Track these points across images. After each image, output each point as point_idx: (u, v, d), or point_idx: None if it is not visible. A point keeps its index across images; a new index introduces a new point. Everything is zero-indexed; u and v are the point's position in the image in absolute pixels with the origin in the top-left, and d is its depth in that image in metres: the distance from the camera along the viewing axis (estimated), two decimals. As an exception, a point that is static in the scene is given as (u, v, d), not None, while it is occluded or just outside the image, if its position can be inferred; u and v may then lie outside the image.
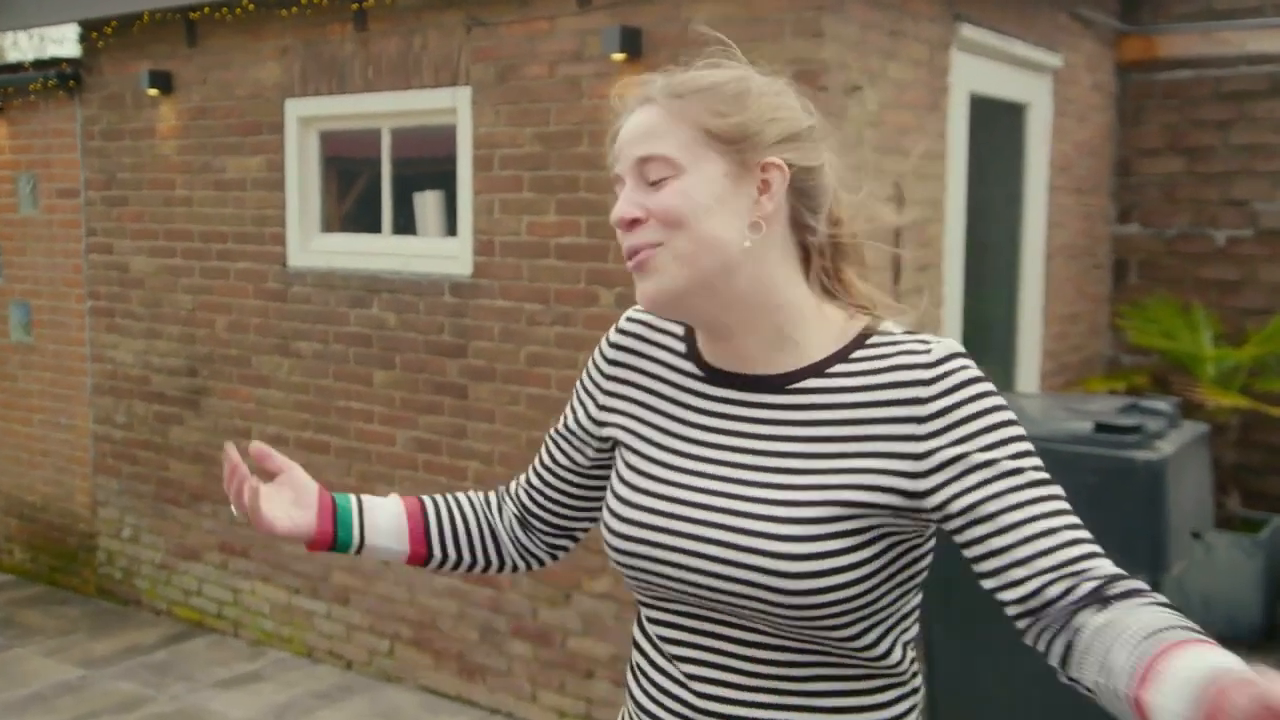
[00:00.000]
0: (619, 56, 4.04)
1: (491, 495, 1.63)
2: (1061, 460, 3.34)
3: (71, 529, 6.04)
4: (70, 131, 5.83)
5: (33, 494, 6.22)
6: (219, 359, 5.31)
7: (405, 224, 4.82)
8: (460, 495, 1.61)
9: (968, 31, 4.30)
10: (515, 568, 1.61)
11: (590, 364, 1.51)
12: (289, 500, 1.46)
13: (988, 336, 4.81)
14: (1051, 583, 1.19)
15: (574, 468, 1.52)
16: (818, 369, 1.30)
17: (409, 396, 4.69)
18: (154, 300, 5.54)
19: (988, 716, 3.65)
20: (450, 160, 4.56)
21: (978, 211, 4.58)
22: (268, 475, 1.48)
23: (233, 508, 1.43)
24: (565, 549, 1.61)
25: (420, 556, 1.54)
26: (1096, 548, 1.23)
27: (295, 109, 4.98)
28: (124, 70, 5.56)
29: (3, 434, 6.35)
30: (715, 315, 1.31)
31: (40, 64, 6.01)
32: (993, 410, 1.24)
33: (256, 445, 1.46)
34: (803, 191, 1.31)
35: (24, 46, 13.20)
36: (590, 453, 1.50)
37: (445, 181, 4.64)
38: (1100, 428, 3.32)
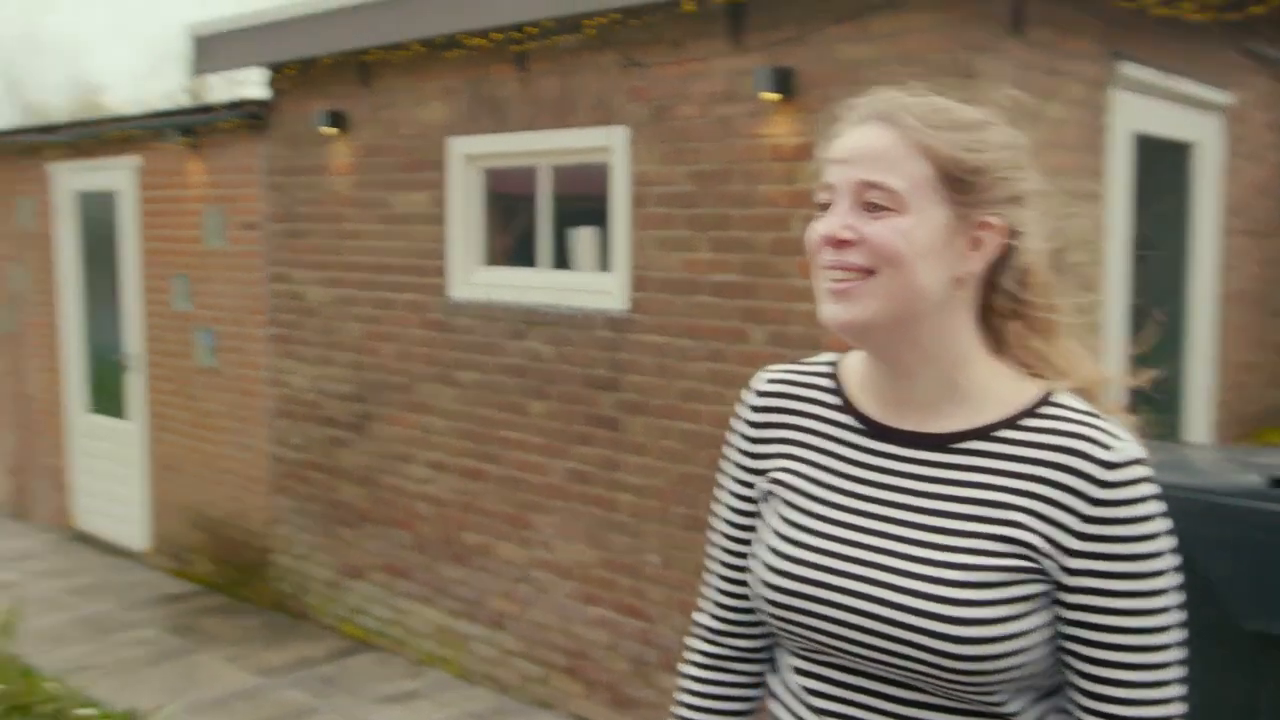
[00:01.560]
0: (772, 96, 4.01)
1: (709, 650, 1.51)
2: (1229, 515, 3.15)
3: (249, 544, 6.30)
4: (254, 168, 6.09)
5: (216, 509, 6.51)
6: (385, 386, 5.46)
7: (562, 259, 4.88)
8: (709, 690, 1.50)
9: (1129, 70, 4.12)
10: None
11: (732, 439, 1.47)
12: None
13: (1152, 384, 4.59)
14: None
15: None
16: (984, 432, 1.27)
17: (563, 427, 4.74)
18: (327, 328, 5.74)
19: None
20: (605, 197, 4.60)
21: (1144, 255, 4.37)
22: None
23: None
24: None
25: None
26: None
27: (458, 147, 5.10)
28: (303, 110, 5.79)
29: (190, 452, 6.67)
30: (896, 352, 1.29)
31: (230, 105, 6.29)
32: (1153, 538, 1.20)
33: None
34: (1008, 254, 1.28)
35: (217, 88, 13.89)
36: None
37: (600, 218, 4.68)
38: (1274, 483, 3.12)
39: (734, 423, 1.47)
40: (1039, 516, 1.21)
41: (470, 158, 5.10)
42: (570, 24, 4.59)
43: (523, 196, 5.05)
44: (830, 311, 1.26)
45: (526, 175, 4.98)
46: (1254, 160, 5.07)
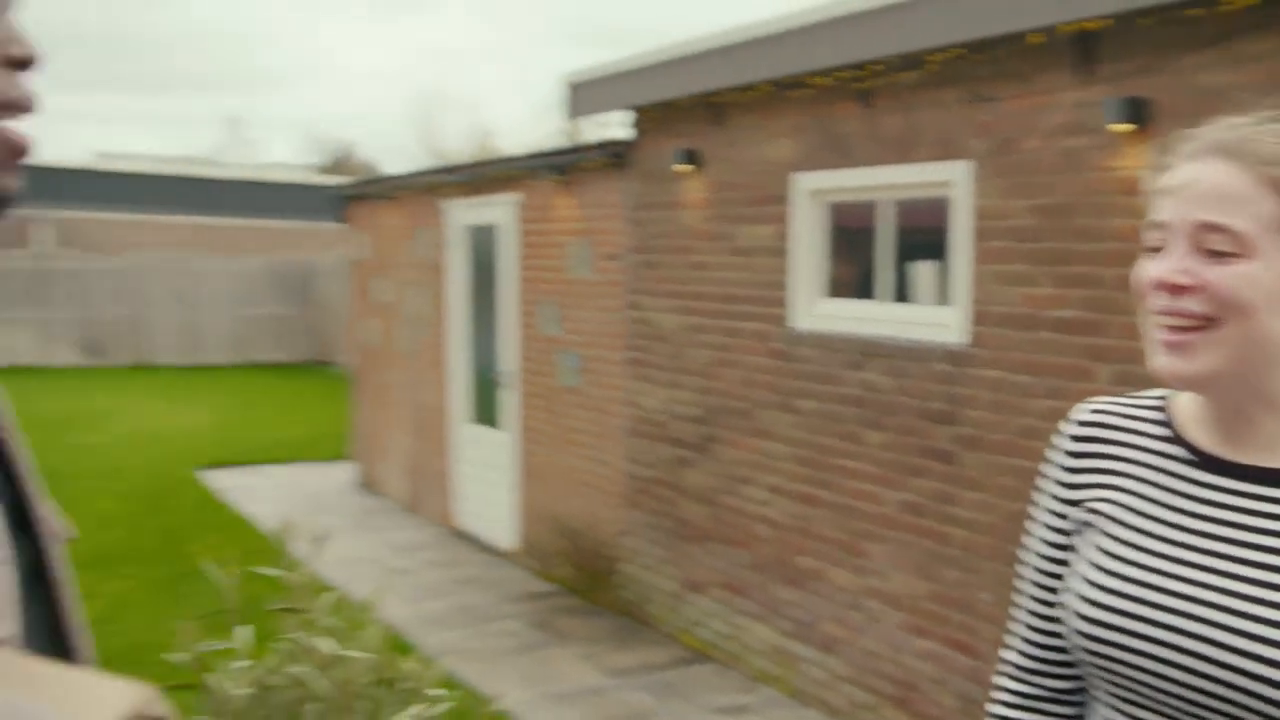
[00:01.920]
0: (1123, 128, 3.86)
1: (1017, 689, 1.42)
2: None
3: (601, 552, 6.71)
4: (616, 203, 6.51)
5: (574, 518, 6.98)
6: (728, 410, 5.68)
7: (901, 292, 4.90)
8: None
9: None
10: None
11: (1047, 469, 1.41)
12: None
13: None
14: None
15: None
16: None
17: (898, 459, 4.75)
18: (677, 354, 6.03)
19: None
20: (946, 231, 4.58)
21: None
22: None
23: None
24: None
25: None
26: None
27: (803, 182, 5.23)
28: (661, 149, 6.13)
29: (554, 463, 7.19)
30: (1236, 401, 1.22)
31: (596, 145, 6.76)
32: None
33: None
34: None
35: (588, 131, 14.88)
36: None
37: (940, 251, 4.66)
38: None
39: (1050, 453, 1.41)
40: None
41: (814, 193, 5.22)
42: (913, 60, 4.62)
43: (864, 230, 5.11)
44: (1164, 364, 1.19)
45: (868, 209, 5.04)
46: None
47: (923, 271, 4.81)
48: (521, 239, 7.48)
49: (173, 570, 6.93)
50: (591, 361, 6.78)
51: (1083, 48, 4.03)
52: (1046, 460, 1.42)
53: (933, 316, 4.67)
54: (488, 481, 8.00)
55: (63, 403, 14.89)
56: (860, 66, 4.84)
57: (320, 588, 3.60)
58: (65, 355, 19.29)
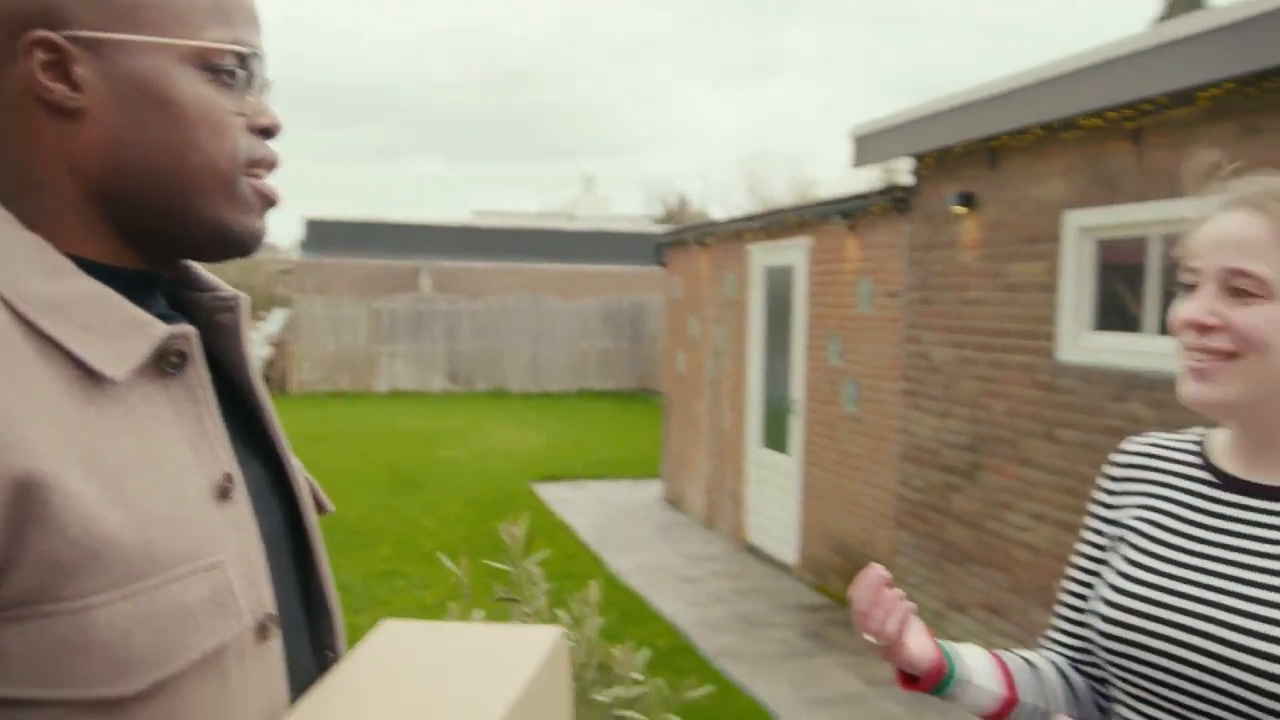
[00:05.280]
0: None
1: (1047, 654, 1.47)
2: None
3: (874, 570, 6.64)
4: (898, 244, 6.49)
5: (849, 536, 6.96)
6: (994, 439, 5.52)
7: (1166, 325, 4.61)
8: (1024, 654, 1.46)
9: None
10: None
11: (1094, 493, 1.46)
12: (919, 635, 1.36)
13: None
14: None
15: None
16: None
17: (1159, 490, 4.46)
18: (948, 385, 5.93)
19: None
20: (1214, 265, 4.29)
21: None
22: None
23: (875, 628, 1.30)
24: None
25: (1011, 702, 1.37)
26: None
27: (1073, 220, 5.04)
28: (939, 192, 6.08)
29: (833, 485, 7.20)
30: (1257, 428, 1.25)
31: (880, 191, 6.77)
32: None
33: (880, 571, 1.35)
34: None
35: (897, 176, 14.74)
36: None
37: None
38: None
39: (1099, 478, 1.45)
40: None
41: (1084, 230, 5.02)
42: (1185, 97, 4.38)
43: (1131, 265, 4.86)
44: (1190, 390, 1.24)
45: (1136, 245, 4.79)
46: None
47: (1190, 305, 4.52)
48: (812, 278, 7.58)
49: (487, 569, 7.48)
50: (869, 391, 6.77)
51: (1360, 76, 3.71)
52: (1096, 485, 1.46)
53: (1199, 350, 4.38)
54: (774, 501, 8.10)
55: (431, 422, 16.33)
56: (1131, 106, 4.63)
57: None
58: (437, 382, 21.14)
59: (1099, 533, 1.43)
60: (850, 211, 6.96)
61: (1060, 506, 5.03)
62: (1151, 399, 4.51)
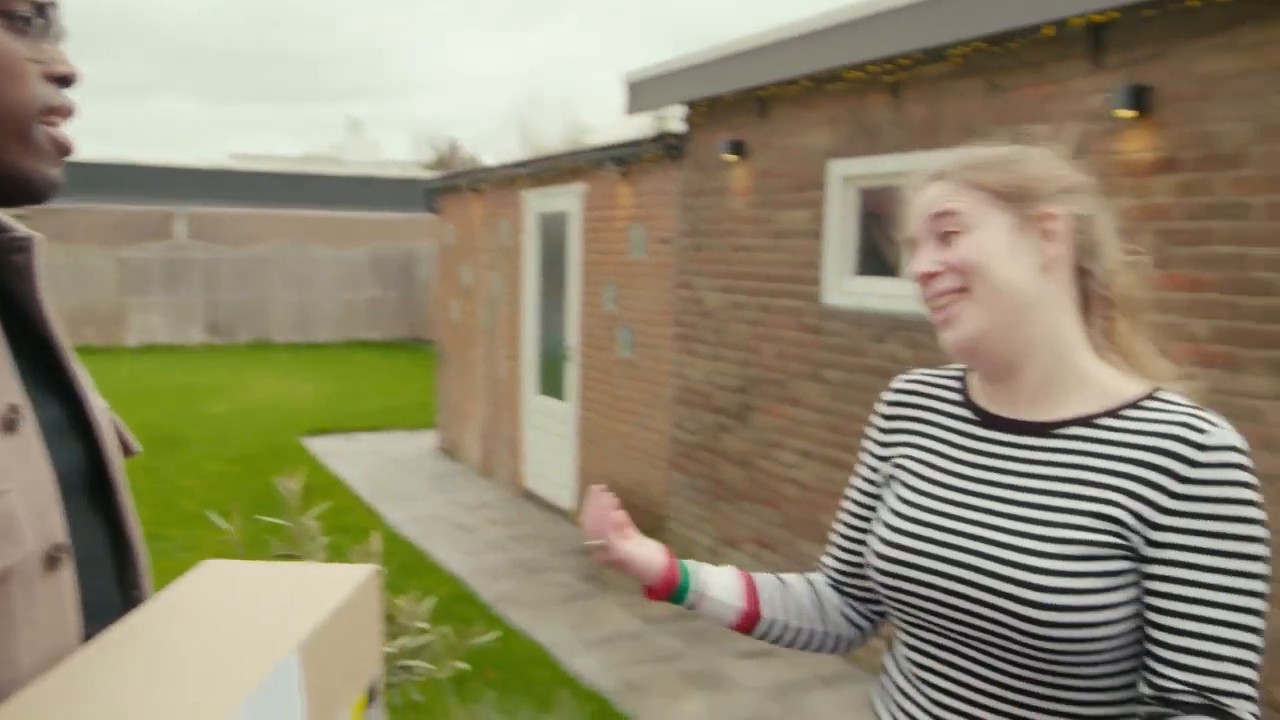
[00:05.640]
0: (1127, 113, 3.79)
1: (809, 575, 1.58)
2: None
3: (649, 511, 6.75)
4: (670, 190, 6.54)
5: (625, 479, 7.04)
6: (764, 381, 5.68)
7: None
8: (783, 575, 1.57)
9: None
10: (841, 639, 1.53)
11: (868, 430, 1.51)
12: (640, 544, 1.49)
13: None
14: (1187, 695, 1.15)
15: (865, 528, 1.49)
16: (1087, 420, 1.26)
17: (914, 425, 4.71)
18: (719, 329, 6.05)
19: None
20: (964, 213, 4.53)
21: None
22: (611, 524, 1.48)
23: (590, 538, 1.44)
24: (883, 614, 1.52)
25: (753, 617, 1.48)
26: (1245, 686, 1.15)
27: (837, 169, 5.21)
28: (710, 140, 6.15)
29: (609, 430, 7.25)
30: (1006, 357, 1.30)
31: (653, 139, 6.79)
32: (1242, 520, 1.15)
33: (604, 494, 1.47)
34: (1082, 240, 1.31)
35: (669, 124, 14.89)
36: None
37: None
38: None
39: (871, 417, 1.51)
40: (1132, 495, 1.19)
41: (847, 178, 5.20)
42: (938, 54, 4.58)
43: (891, 213, 5.07)
44: (947, 339, 1.31)
45: (896, 193, 5.00)
46: None
47: (942, 251, 4.76)
48: (586, 225, 7.55)
49: (261, 525, 7.14)
50: (643, 336, 6.83)
51: (1092, 39, 3.96)
52: (869, 423, 1.52)
53: (950, 293, 4.62)
54: (551, 447, 8.10)
55: (189, 377, 15.40)
56: (891, 61, 4.80)
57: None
58: (195, 335, 19.93)
59: (874, 469, 1.48)
60: (624, 158, 6.96)
61: (826, 444, 5.24)
62: (910, 339, 4.74)
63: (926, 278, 1.31)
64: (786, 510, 5.52)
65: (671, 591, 1.46)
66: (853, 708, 4.55)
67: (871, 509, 1.47)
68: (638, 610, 5.80)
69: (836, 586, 1.54)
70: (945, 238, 1.30)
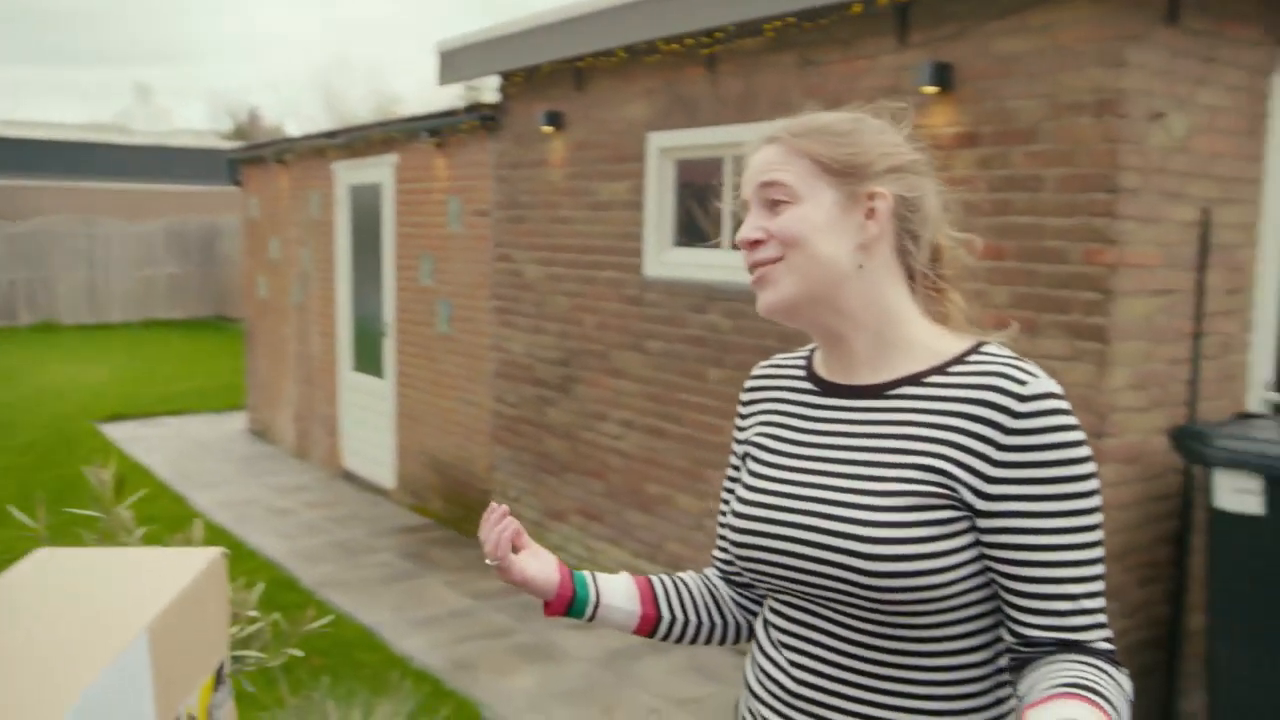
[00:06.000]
0: (931, 89, 3.93)
1: (705, 570, 1.59)
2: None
3: (472, 485, 6.66)
4: (486, 162, 6.41)
5: (447, 455, 6.91)
6: (586, 353, 5.66)
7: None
8: (678, 574, 1.57)
9: (1294, 54, 3.80)
10: (740, 629, 1.54)
11: (744, 391, 1.53)
12: (536, 559, 1.46)
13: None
14: (1049, 640, 1.20)
15: None
16: (916, 379, 1.29)
17: (737, 393, 4.78)
18: (540, 302, 5.99)
19: (1266, 717, 3.24)
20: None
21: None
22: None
23: (489, 551, 1.40)
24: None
25: (651, 619, 1.49)
26: (1099, 616, 1.21)
27: (655, 141, 5.22)
28: (528, 111, 6.05)
29: (428, 406, 7.10)
30: (826, 323, 1.33)
31: (468, 109, 6.64)
32: (1069, 463, 1.20)
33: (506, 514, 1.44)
34: (907, 220, 1.33)
35: (487, 95, 14.63)
36: None
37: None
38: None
39: (737, 405, 1.54)
40: (959, 447, 1.22)
41: (665, 150, 5.21)
42: (752, 28, 4.63)
43: (709, 185, 5.12)
44: (760, 301, 1.34)
45: (713, 165, 5.05)
46: None
47: (759, 222, 4.84)
48: (400, 197, 7.33)
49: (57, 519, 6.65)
50: (462, 310, 6.70)
51: (898, 17, 4.08)
52: (736, 413, 1.54)
53: (767, 263, 4.71)
54: (369, 425, 7.86)
55: (-36, 359, 14.19)
56: (707, 34, 4.83)
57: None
58: (-30, 316, 18.40)
59: (736, 454, 1.50)
60: (438, 129, 6.78)
61: (649, 413, 5.27)
62: (729, 309, 4.81)
63: (750, 244, 1.33)
64: (611, 480, 5.53)
65: (568, 606, 1.46)
66: (681, 672, 4.62)
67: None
68: (464, 587, 5.71)
69: (725, 578, 1.55)
70: (772, 205, 1.31)
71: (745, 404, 1.50)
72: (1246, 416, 3.66)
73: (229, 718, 1.08)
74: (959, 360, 1.28)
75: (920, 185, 1.34)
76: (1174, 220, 3.57)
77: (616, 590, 1.48)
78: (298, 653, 2.18)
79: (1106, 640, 1.20)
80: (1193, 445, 3.39)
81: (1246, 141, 3.77)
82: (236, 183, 10.26)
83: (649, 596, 1.49)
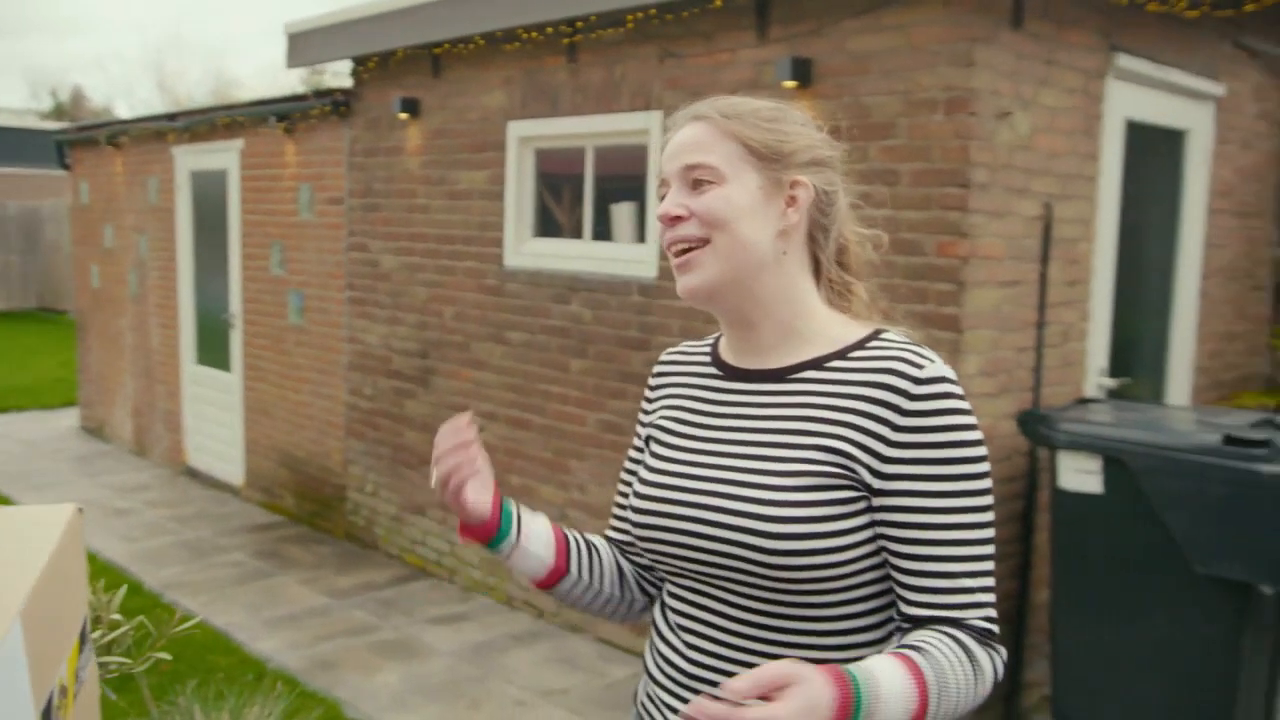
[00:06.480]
0: (790, 84, 3.97)
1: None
2: (1189, 470, 3.09)
3: (327, 481, 6.44)
4: (339, 149, 6.20)
5: (300, 450, 6.66)
6: (445, 344, 5.54)
7: (602, 231, 4.90)
8: (590, 536, 1.53)
9: (1125, 61, 4.01)
10: (635, 604, 1.52)
11: (651, 377, 1.53)
12: (479, 487, 1.37)
13: (1139, 351, 4.49)
14: (928, 618, 1.22)
15: None
16: (818, 363, 1.31)
17: (599, 383, 4.76)
18: (397, 292, 5.83)
19: (1105, 685, 3.42)
20: (642, 175, 4.61)
21: (1134, 232, 4.28)
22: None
23: (438, 470, 1.32)
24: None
25: (560, 572, 1.44)
26: (979, 596, 1.23)
27: (515, 130, 5.13)
28: (382, 98, 5.87)
29: (279, 400, 6.82)
30: (741, 308, 1.33)
31: (319, 94, 6.40)
32: (959, 444, 1.22)
33: (471, 420, 1.36)
34: (820, 212, 1.35)
35: (335, 81, 14.13)
36: None
37: (637, 194, 4.68)
38: (1229, 440, 3.04)
39: (645, 390, 1.54)
40: (857, 428, 1.24)
41: (525, 140, 5.13)
42: (614, 19, 4.59)
43: (570, 175, 5.07)
44: (681, 284, 1.33)
45: (574, 155, 5.00)
46: (1243, 147, 4.91)
47: (622, 213, 4.83)
48: (246, 184, 7.01)
49: None
50: (315, 301, 6.46)
51: (757, 12, 4.12)
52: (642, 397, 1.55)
53: (630, 254, 4.70)
54: (215, 420, 7.51)
55: None
56: (568, 23, 4.77)
57: None
58: None
59: (639, 436, 1.50)
60: (287, 114, 6.51)
61: (511, 405, 5.19)
62: (591, 299, 4.77)
63: (671, 220, 1.32)
64: (473, 472, 5.42)
65: (489, 537, 1.40)
66: (548, 663, 4.57)
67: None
68: (320, 585, 5.52)
69: (625, 551, 1.53)
70: (696, 185, 1.30)
71: (652, 389, 1.50)
72: (1086, 401, 3.85)
73: (92, 677, 1.04)
74: (859, 345, 1.30)
75: (835, 181, 1.36)
76: (1020, 215, 3.72)
77: (538, 535, 1.43)
78: (165, 656, 2.05)
79: (986, 620, 1.22)
80: (1038, 429, 3.54)
81: (1083, 141, 3.96)
82: (65, 166, 9.64)
83: (563, 550, 1.46)
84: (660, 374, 1.50)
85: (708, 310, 1.39)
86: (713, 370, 1.41)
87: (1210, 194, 4.69)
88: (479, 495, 1.36)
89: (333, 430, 6.37)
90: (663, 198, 1.35)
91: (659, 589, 1.50)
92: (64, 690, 0.89)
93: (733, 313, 1.34)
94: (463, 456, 1.32)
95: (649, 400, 1.51)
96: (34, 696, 0.79)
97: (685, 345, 1.51)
